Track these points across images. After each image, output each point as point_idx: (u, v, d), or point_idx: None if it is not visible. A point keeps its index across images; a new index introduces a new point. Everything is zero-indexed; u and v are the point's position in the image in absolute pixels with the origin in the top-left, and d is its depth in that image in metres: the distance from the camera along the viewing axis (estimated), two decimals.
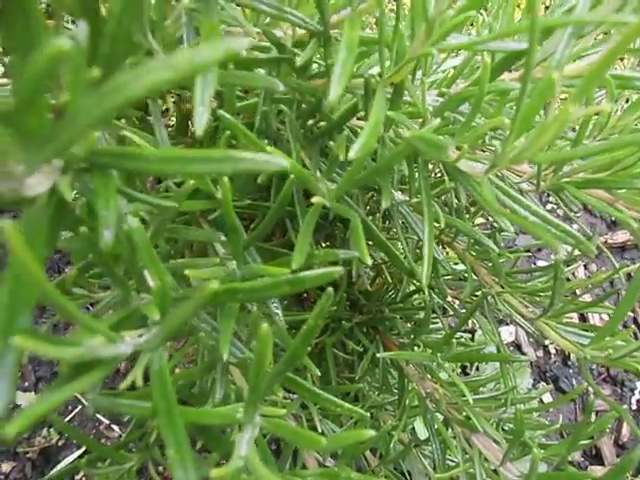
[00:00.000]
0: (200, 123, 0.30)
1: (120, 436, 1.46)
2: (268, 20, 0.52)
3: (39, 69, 0.17)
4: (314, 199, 0.36)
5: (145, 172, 0.23)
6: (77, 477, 1.38)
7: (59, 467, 1.41)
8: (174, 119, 0.77)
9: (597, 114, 0.61)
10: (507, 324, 1.77)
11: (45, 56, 0.16)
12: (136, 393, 0.35)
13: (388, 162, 0.39)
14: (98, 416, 1.48)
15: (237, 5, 0.45)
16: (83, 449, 1.44)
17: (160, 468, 1.25)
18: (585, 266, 1.91)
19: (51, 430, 1.47)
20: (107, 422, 1.48)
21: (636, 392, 1.71)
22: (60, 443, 1.45)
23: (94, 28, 0.24)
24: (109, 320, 0.32)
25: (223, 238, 0.52)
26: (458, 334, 0.78)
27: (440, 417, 0.73)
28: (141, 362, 0.31)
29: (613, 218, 2.00)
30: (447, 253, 0.95)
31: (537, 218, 0.41)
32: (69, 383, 0.25)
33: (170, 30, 0.46)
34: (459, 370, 1.56)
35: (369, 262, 0.36)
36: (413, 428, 1.19)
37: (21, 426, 0.20)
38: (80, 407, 1.50)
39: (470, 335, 1.62)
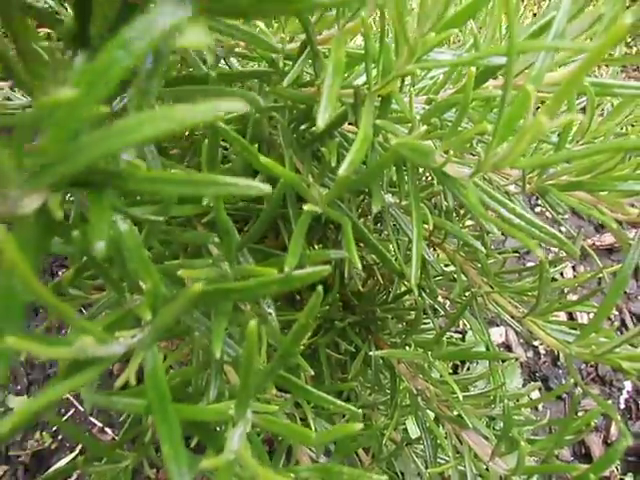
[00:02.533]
0: None
1: (113, 439, 1.46)
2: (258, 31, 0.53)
3: (37, 115, 0.18)
4: (305, 206, 0.38)
5: (133, 192, 0.24)
6: None
7: (52, 470, 1.41)
8: None
9: (579, 120, 0.63)
10: (497, 325, 1.79)
11: (42, 104, 0.17)
12: (131, 391, 0.36)
13: (377, 167, 0.41)
14: (91, 419, 1.48)
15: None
16: (76, 452, 1.44)
17: (154, 470, 1.26)
18: (574, 267, 1.94)
19: (44, 433, 1.46)
20: (100, 425, 1.48)
21: (624, 392, 1.74)
22: (53, 446, 1.45)
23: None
24: (104, 321, 0.33)
25: (217, 240, 0.54)
26: (449, 334, 0.79)
27: (431, 415, 0.74)
28: (135, 361, 0.32)
29: (600, 221, 2.03)
30: (438, 255, 0.97)
31: (522, 221, 0.43)
32: (63, 381, 0.26)
33: None
34: (450, 370, 1.58)
35: (359, 266, 0.37)
36: (405, 428, 1.20)
37: (14, 423, 0.21)
38: (73, 410, 1.50)
39: (461, 336, 1.64)
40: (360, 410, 0.49)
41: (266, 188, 0.22)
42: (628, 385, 1.75)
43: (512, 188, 0.65)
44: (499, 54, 0.33)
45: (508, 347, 1.76)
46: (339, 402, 0.47)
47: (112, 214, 0.24)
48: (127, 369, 0.32)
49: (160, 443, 0.29)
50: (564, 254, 0.88)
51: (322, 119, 0.31)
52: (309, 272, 0.32)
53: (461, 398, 0.62)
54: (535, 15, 2.23)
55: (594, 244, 1.97)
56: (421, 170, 0.70)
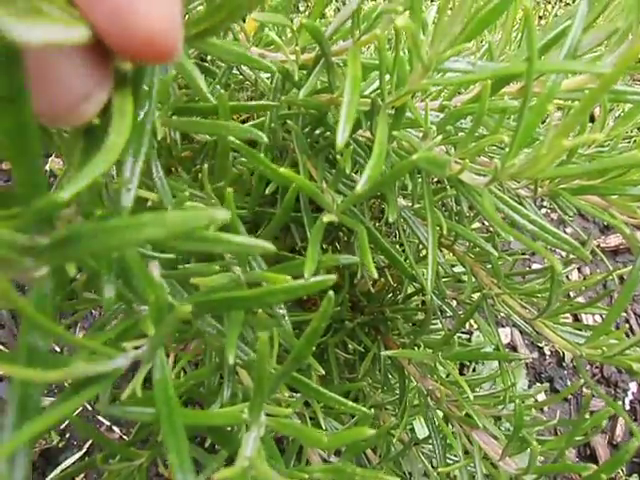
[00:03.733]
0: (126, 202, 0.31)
1: (121, 437, 1.47)
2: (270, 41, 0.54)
3: (35, 217, 0.19)
4: (324, 217, 0.38)
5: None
6: (77, 479, 1.39)
7: (60, 469, 1.42)
8: None
9: (592, 121, 0.64)
10: (503, 326, 1.79)
11: (39, 207, 0.18)
12: (143, 398, 0.37)
13: (391, 176, 0.41)
14: (99, 418, 1.49)
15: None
16: (84, 451, 1.45)
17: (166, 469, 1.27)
18: (579, 269, 1.95)
19: (51, 432, 1.47)
20: (108, 424, 1.49)
21: (629, 393, 1.74)
22: (61, 445, 1.46)
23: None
24: (112, 332, 0.34)
25: None
26: (457, 335, 0.80)
27: (440, 414, 0.75)
28: (141, 373, 0.33)
29: (606, 223, 2.03)
30: (445, 256, 0.98)
31: (535, 226, 0.44)
32: (72, 397, 0.27)
33: None
34: (456, 371, 1.58)
35: (375, 275, 0.38)
36: (412, 428, 1.21)
37: (26, 439, 0.21)
38: (81, 409, 1.51)
39: (467, 337, 1.65)
40: (370, 410, 0.49)
41: (269, 247, 0.23)
42: (633, 386, 1.75)
43: (522, 191, 0.65)
44: (516, 74, 0.33)
45: (513, 348, 1.76)
46: (350, 403, 0.48)
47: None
48: (134, 380, 0.33)
49: (167, 452, 0.30)
50: (572, 256, 0.88)
51: (342, 137, 0.31)
52: (313, 282, 0.33)
53: (472, 398, 0.63)
54: (541, 18, 2.23)
55: (599, 246, 1.97)
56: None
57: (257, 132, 0.42)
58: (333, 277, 0.34)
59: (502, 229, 0.35)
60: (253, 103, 0.53)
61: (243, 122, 0.68)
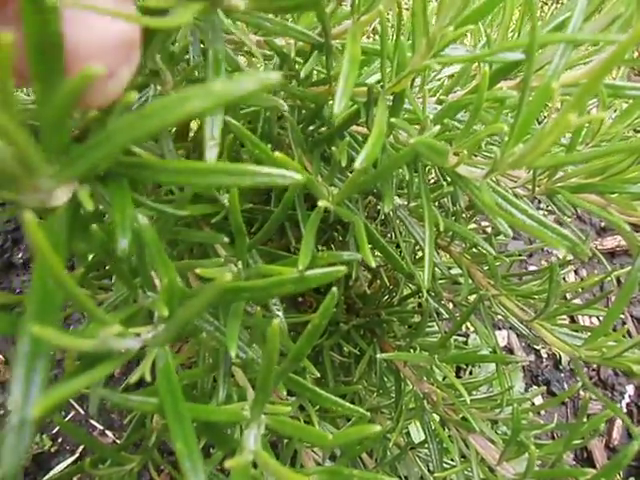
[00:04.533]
0: (210, 156, 0.31)
1: (114, 441, 1.45)
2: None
3: (64, 99, 0.18)
4: (319, 202, 0.37)
5: (163, 183, 0.24)
6: None
7: (51, 474, 1.40)
8: None
9: (589, 122, 0.63)
10: (499, 329, 1.79)
11: (70, 86, 0.17)
12: (141, 391, 0.36)
13: (390, 166, 0.40)
14: (92, 422, 1.48)
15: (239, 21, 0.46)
16: (76, 456, 1.43)
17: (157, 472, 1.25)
18: (576, 271, 1.94)
19: (43, 436, 1.45)
20: (101, 428, 1.47)
21: (626, 396, 1.74)
22: (53, 450, 1.44)
23: None
24: (118, 316, 0.33)
25: (225, 240, 0.53)
26: (453, 337, 0.79)
27: (437, 418, 0.74)
28: (149, 357, 0.32)
29: (602, 225, 2.04)
30: (442, 257, 0.97)
31: (533, 222, 0.43)
32: (81, 375, 0.26)
33: (175, 50, 0.47)
34: (453, 373, 1.58)
35: (373, 264, 0.37)
36: (408, 432, 1.20)
37: (45, 408, 0.21)
38: (73, 413, 1.49)
39: (464, 339, 1.64)
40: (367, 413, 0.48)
41: (298, 177, 0.21)
42: (630, 389, 1.74)
43: (520, 190, 0.64)
44: (520, 47, 0.33)
45: (510, 350, 1.76)
46: (347, 404, 0.47)
47: (133, 207, 0.24)
48: (142, 364, 0.32)
49: (173, 441, 0.29)
50: (568, 257, 0.87)
51: (338, 106, 0.30)
52: (324, 272, 0.32)
53: (469, 402, 0.62)
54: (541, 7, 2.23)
55: (596, 248, 1.97)
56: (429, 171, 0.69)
57: (278, 100, 0.41)
58: (343, 269, 0.33)
59: (504, 219, 0.34)
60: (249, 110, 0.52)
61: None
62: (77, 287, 0.21)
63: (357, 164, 0.30)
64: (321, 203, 0.36)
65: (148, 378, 0.29)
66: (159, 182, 0.23)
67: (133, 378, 0.30)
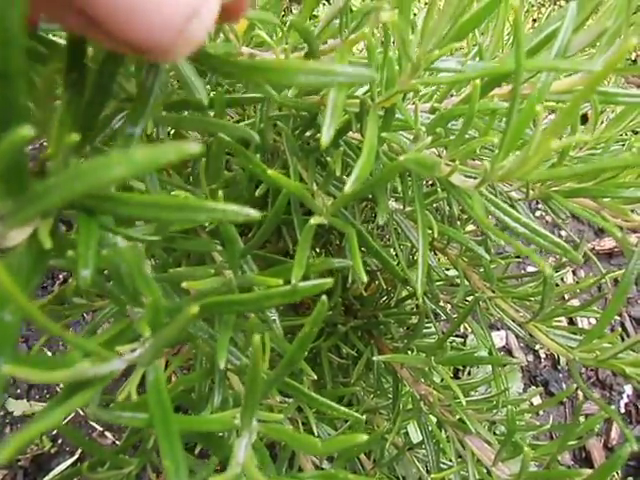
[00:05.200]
0: None
1: (114, 442, 1.46)
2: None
3: (6, 153, 0.18)
4: (312, 219, 0.38)
5: (124, 216, 0.24)
6: None
7: (51, 475, 1.41)
8: None
9: (583, 124, 0.64)
10: (498, 329, 1.79)
11: (9, 143, 0.18)
12: (134, 403, 0.36)
13: (382, 178, 0.41)
14: (91, 423, 1.48)
15: None
16: (76, 457, 1.43)
17: (155, 475, 1.25)
18: (574, 272, 1.95)
19: (43, 437, 1.46)
20: (100, 429, 1.48)
21: (624, 396, 1.74)
22: (53, 451, 1.44)
23: (79, 77, 0.25)
24: (104, 335, 0.33)
25: (220, 248, 0.54)
26: (451, 339, 0.80)
27: (434, 419, 0.74)
28: (136, 376, 0.32)
29: (600, 225, 2.04)
30: (439, 259, 0.97)
31: (527, 230, 0.43)
32: (65, 401, 0.26)
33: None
34: (451, 374, 1.58)
35: (364, 279, 0.37)
36: (406, 432, 1.20)
37: (17, 449, 0.21)
38: (73, 414, 1.50)
39: (462, 340, 1.64)
40: (363, 415, 0.49)
41: (252, 213, 0.22)
42: (628, 389, 1.75)
43: (514, 194, 0.65)
44: (505, 72, 0.33)
45: (508, 351, 1.76)
46: (343, 409, 0.47)
47: (98, 239, 0.24)
48: (128, 383, 0.32)
49: (162, 457, 0.29)
50: (565, 259, 0.88)
51: (327, 135, 0.31)
52: (312, 285, 0.32)
53: (464, 403, 0.62)
54: (535, 21, 2.24)
55: (594, 249, 1.97)
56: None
57: (248, 130, 0.41)
58: (330, 281, 0.33)
59: (492, 232, 0.34)
60: (246, 95, 0.52)
61: (236, 123, 0.67)
62: (46, 319, 0.21)
63: (347, 188, 0.31)
64: (314, 220, 0.37)
65: (134, 396, 0.29)
66: (122, 215, 0.23)
67: (121, 396, 0.30)
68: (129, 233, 0.30)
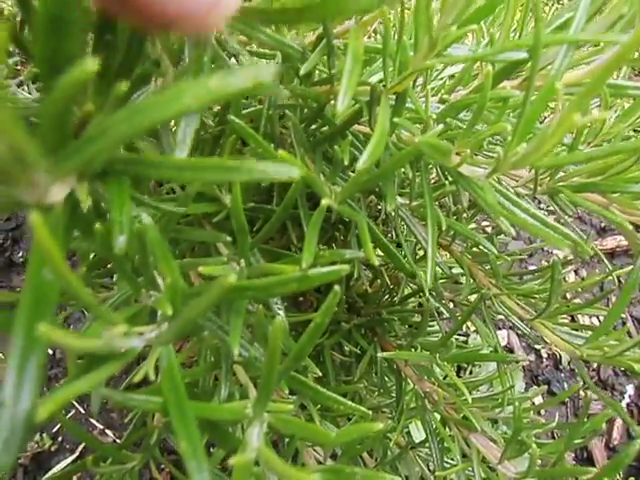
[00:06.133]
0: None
1: (114, 441, 1.45)
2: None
3: (64, 91, 0.17)
4: (322, 201, 0.38)
5: (160, 179, 0.24)
6: None
7: (51, 473, 1.40)
8: None
9: (591, 122, 0.63)
10: (499, 328, 1.79)
11: (71, 79, 0.17)
12: (144, 390, 0.36)
13: (392, 165, 0.40)
14: (92, 421, 1.48)
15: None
16: (76, 454, 1.43)
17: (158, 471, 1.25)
18: (575, 272, 1.94)
19: (43, 435, 1.45)
20: (101, 427, 1.47)
21: (626, 396, 1.74)
22: (53, 448, 1.44)
23: (111, 40, 0.25)
24: (122, 315, 0.33)
25: (227, 239, 0.53)
26: (453, 337, 0.79)
27: (438, 417, 0.74)
28: (152, 357, 0.32)
29: (602, 225, 2.04)
30: (442, 256, 0.97)
31: (536, 221, 0.43)
32: (88, 375, 0.26)
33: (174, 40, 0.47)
34: (454, 373, 1.58)
35: (376, 262, 0.37)
36: (408, 431, 1.20)
37: (50, 410, 0.20)
38: (73, 412, 1.49)
39: (465, 338, 1.64)
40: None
41: (294, 173, 0.21)
42: (630, 389, 1.74)
43: (521, 190, 0.64)
44: (523, 47, 0.33)
45: (510, 350, 1.76)
46: (349, 403, 0.46)
47: (132, 207, 0.24)
48: (146, 363, 0.32)
49: (177, 440, 0.29)
50: (569, 257, 0.87)
51: (342, 103, 0.30)
52: (328, 271, 0.32)
53: (470, 401, 0.62)
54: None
55: (596, 248, 1.97)
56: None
57: (282, 89, 0.40)
58: (346, 267, 0.33)
59: (507, 218, 0.34)
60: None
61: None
62: (82, 284, 0.21)
63: (360, 164, 0.30)
64: (324, 201, 0.36)
65: (152, 377, 0.29)
66: (158, 178, 0.23)
67: (137, 377, 0.30)
68: (157, 203, 0.30)
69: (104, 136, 0.19)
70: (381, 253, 0.57)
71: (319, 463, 0.70)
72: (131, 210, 0.25)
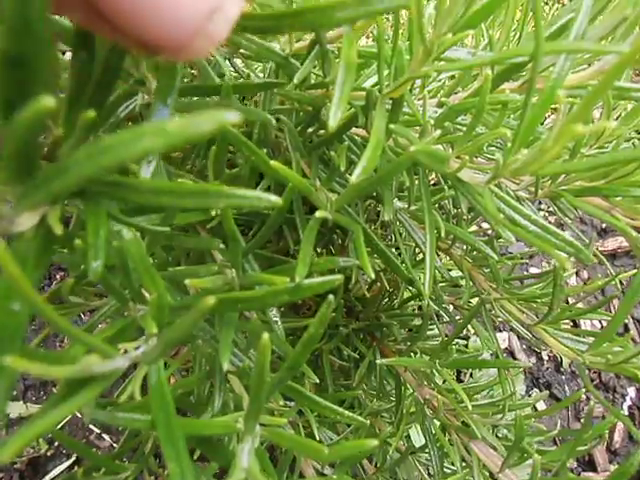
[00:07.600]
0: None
1: (111, 445, 1.44)
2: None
3: (25, 125, 0.17)
4: (317, 214, 0.36)
5: (136, 202, 0.23)
6: None
7: (48, 478, 1.39)
8: None
9: (593, 122, 0.62)
10: (500, 331, 1.78)
11: (30, 114, 0.16)
12: (133, 405, 0.35)
13: (389, 172, 0.39)
14: (89, 425, 1.46)
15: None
16: (72, 460, 1.41)
17: (152, 478, 1.24)
18: (577, 274, 1.93)
19: (40, 440, 1.44)
20: (98, 431, 1.46)
21: (627, 398, 1.73)
22: (49, 453, 1.43)
23: (88, 56, 0.24)
24: (106, 332, 0.32)
25: (221, 246, 0.52)
26: (453, 341, 0.78)
27: (437, 424, 0.73)
28: (139, 375, 0.30)
29: (603, 226, 2.03)
30: (441, 260, 0.96)
31: (536, 227, 0.42)
32: (65, 401, 0.24)
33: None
34: (453, 378, 1.57)
35: (372, 276, 0.36)
36: (408, 436, 1.19)
37: (16, 450, 0.19)
38: (70, 416, 1.48)
39: (464, 342, 1.63)
40: (366, 419, 0.47)
41: (276, 199, 0.20)
42: (631, 392, 1.73)
43: (522, 193, 0.63)
44: (524, 55, 0.32)
45: (511, 353, 1.75)
46: (346, 413, 0.45)
47: (108, 228, 0.23)
48: (131, 382, 0.31)
49: (166, 460, 0.28)
50: (572, 260, 0.86)
51: (334, 118, 0.29)
52: (320, 281, 0.31)
53: (470, 407, 0.61)
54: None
55: (597, 249, 1.95)
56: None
57: (265, 113, 0.40)
58: (340, 277, 0.32)
59: (506, 227, 0.33)
60: (257, 81, 0.51)
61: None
62: (51, 310, 0.20)
63: (354, 177, 0.29)
64: (319, 214, 0.35)
65: (138, 397, 0.28)
66: (135, 202, 0.22)
67: (122, 397, 0.29)
68: (137, 222, 0.29)
69: (65, 174, 0.19)
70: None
71: (317, 471, 0.69)
72: (108, 233, 0.24)
